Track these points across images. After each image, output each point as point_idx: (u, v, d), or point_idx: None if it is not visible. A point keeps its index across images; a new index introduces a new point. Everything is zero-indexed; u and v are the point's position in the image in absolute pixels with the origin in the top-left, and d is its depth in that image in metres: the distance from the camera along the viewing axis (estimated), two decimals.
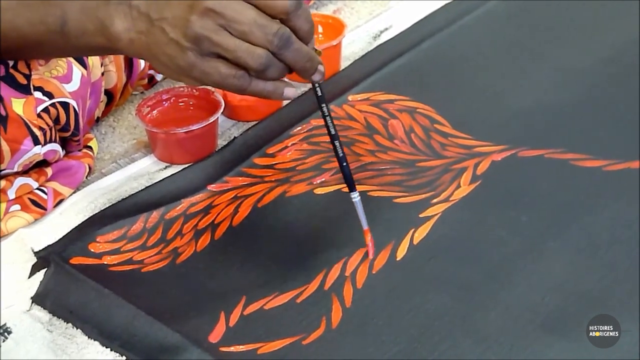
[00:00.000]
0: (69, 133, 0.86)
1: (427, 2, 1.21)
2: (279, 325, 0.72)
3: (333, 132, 0.76)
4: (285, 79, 0.73)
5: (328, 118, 0.75)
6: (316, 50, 0.73)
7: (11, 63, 0.80)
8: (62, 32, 0.74)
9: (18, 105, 0.79)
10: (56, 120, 0.84)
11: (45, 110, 0.82)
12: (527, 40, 1.12)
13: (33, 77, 0.82)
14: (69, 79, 0.86)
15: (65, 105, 0.84)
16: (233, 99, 0.98)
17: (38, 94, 0.82)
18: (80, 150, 0.91)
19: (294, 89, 0.72)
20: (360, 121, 0.97)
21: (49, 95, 0.83)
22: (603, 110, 0.97)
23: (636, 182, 0.85)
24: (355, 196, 0.77)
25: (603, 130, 0.93)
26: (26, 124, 0.80)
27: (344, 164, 0.77)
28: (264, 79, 0.70)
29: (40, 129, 0.81)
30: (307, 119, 0.97)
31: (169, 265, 0.80)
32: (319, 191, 0.87)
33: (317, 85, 0.74)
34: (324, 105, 0.75)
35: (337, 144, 0.76)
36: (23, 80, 0.81)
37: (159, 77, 1.08)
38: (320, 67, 0.72)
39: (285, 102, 1.02)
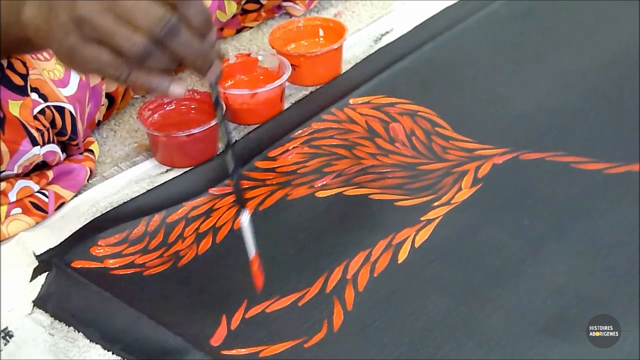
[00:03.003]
0: (66, 137, 0.86)
1: (427, 6, 1.22)
2: (281, 329, 0.72)
3: (229, 142, 0.70)
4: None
5: (224, 124, 0.69)
6: (219, 51, 0.66)
7: (6, 64, 0.80)
8: None
9: (15, 107, 0.79)
10: (52, 124, 0.84)
11: (42, 112, 0.82)
12: (528, 43, 1.12)
13: (30, 76, 0.82)
14: (65, 83, 0.86)
15: (60, 110, 0.84)
16: (234, 102, 0.98)
17: (34, 96, 0.82)
18: (81, 154, 0.91)
19: (182, 87, 0.64)
20: (361, 124, 0.97)
21: (44, 98, 0.83)
22: (604, 113, 0.97)
23: (637, 185, 0.85)
24: (246, 218, 0.71)
25: (604, 133, 0.93)
26: (23, 125, 0.80)
27: (234, 181, 0.70)
28: (147, 71, 0.63)
29: (38, 130, 0.81)
30: (308, 122, 0.97)
31: (170, 269, 0.80)
32: (320, 194, 0.87)
33: (212, 86, 0.67)
34: (219, 109, 0.68)
35: (229, 155, 0.70)
36: (20, 82, 0.80)
37: None
38: (217, 66, 0.65)
39: (286, 106, 1.02)
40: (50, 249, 0.81)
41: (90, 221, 0.85)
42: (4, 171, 0.81)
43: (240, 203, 0.71)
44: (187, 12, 0.62)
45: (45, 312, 0.76)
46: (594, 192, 0.85)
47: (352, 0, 1.27)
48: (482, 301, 0.73)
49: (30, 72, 0.82)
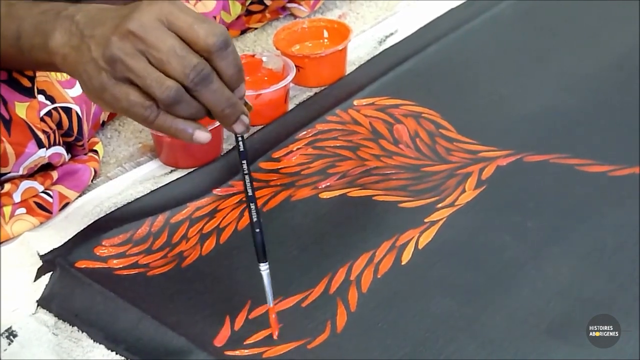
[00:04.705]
0: (72, 138, 0.86)
1: (432, 7, 1.22)
2: (284, 330, 0.72)
3: (250, 193, 0.70)
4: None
5: (247, 177, 0.70)
6: (246, 103, 0.68)
7: None
8: (17, 45, 0.72)
9: (21, 109, 0.80)
10: (59, 125, 0.84)
11: (48, 114, 0.82)
12: (532, 45, 1.12)
13: (38, 79, 0.82)
14: (72, 84, 0.86)
15: (67, 111, 0.84)
16: None
17: (41, 97, 0.82)
18: (85, 154, 0.91)
19: (206, 134, 0.67)
20: (365, 126, 0.97)
21: (51, 100, 0.83)
22: (608, 116, 0.97)
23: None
24: (265, 268, 0.71)
25: (608, 136, 0.93)
26: (30, 127, 0.80)
27: (257, 230, 0.70)
28: (174, 115, 0.65)
29: (44, 132, 0.81)
30: (312, 124, 0.97)
31: (174, 269, 0.80)
32: (324, 195, 0.88)
33: (239, 138, 0.69)
34: (244, 162, 0.69)
35: (252, 206, 0.70)
36: (27, 84, 0.81)
37: None
38: (244, 118, 0.67)
39: (290, 107, 1.02)
40: (54, 249, 0.82)
41: (94, 221, 0.85)
42: (9, 173, 0.81)
43: (261, 255, 0.71)
44: (221, 63, 0.65)
45: (49, 312, 0.76)
46: (597, 195, 0.85)
47: (356, 1, 1.27)
48: (486, 303, 0.73)
49: (37, 74, 0.82)
